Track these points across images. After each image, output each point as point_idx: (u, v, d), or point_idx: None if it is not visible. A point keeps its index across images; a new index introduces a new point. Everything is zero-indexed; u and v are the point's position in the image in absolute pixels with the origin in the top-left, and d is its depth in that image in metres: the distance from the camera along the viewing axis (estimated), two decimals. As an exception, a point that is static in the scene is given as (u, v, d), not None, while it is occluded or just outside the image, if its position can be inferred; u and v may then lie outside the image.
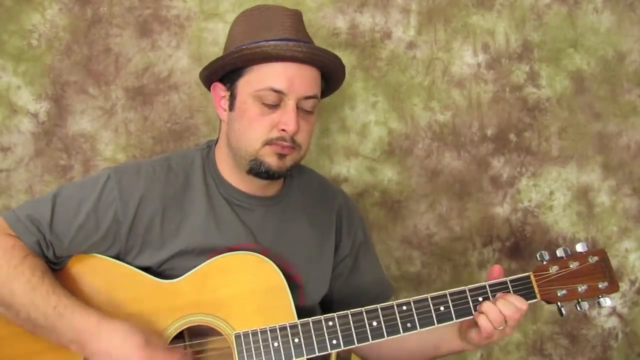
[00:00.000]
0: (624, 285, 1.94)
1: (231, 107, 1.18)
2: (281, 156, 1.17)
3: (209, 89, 1.28)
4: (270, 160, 1.16)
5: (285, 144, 1.15)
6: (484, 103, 1.82)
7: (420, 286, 1.83)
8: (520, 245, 1.87)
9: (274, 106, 1.14)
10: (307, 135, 1.20)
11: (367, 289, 1.37)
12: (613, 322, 1.95)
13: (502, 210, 1.86)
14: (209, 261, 1.17)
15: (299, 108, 1.16)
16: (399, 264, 1.83)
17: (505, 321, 1.12)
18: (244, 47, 1.13)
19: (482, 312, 1.13)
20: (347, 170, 1.78)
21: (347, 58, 1.73)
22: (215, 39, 1.67)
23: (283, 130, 1.14)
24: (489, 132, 1.83)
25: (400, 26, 1.76)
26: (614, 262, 1.90)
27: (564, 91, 1.85)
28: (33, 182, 1.64)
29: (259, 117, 1.14)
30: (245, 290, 1.16)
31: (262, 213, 1.26)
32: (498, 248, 1.87)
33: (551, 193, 1.88)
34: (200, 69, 1.23)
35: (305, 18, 1.40)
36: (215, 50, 1.67)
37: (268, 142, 1.15)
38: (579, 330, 1.93)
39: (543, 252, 1.20)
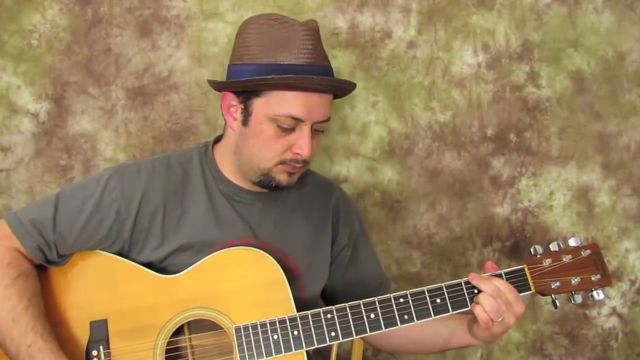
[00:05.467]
0: (624, 285, 1.94)
1: (245, 122, 1.20)
2: (291, 174, 1.22)
3: (216, 90, 1.29)
4: (281, 177, 1.21)
5: (297, 165, 1.20)
6: (484, 103, 1.82)
7: (420, 286, 1.81)
8: (520, 245, 1.87)
9: (290, 129, 1.17)
10: (316, 151, 1.24)
11: (368, 278, 1.39)
12: (613, 322, 1.94)
13: (502, 210, 1.86)
14: (209, 256, 1.19)
15: (312, 130, 1.19)
16: (399, 264, 1.83)
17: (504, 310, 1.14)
18: (269, 76, 1.13)
19: (477, 303, 1.15)
20: (347, 170, 1.78)
21: (347, 58, 1.73)
22: (215, 39, 1.67)
23: (297, 153, 1.18)
24: (489, 132, 1.83)
25: (400, 26, 1.76)
26: (614, 262, 1.91)
27: (564, 91, 1.85)
28: (33, 182, 1.64)
29: (275, 138, 1.17)
30: (245, 284, 1.18)
31: (260, 208, 1.28)
32: (498, 248, 1.87)
33: (551, 193, 1.88)
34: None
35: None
36: (215, 50, 1.67)
37: (281, 162, 1.19)
38: (579, 330, 1.93)
39: (537, 246, 1.23)
